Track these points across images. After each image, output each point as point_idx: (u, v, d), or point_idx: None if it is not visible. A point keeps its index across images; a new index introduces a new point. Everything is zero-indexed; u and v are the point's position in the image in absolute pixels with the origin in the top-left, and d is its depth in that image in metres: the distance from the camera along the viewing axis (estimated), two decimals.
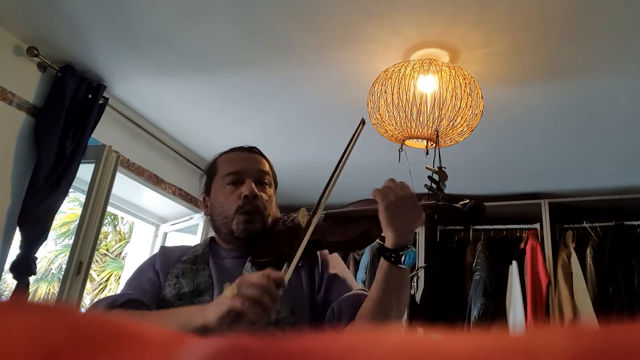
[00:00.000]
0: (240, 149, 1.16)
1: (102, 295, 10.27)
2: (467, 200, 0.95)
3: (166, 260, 1.07)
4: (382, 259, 0.92)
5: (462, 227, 3.44)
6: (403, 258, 0.89)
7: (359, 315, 0.94)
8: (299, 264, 1.02)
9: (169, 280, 1.03)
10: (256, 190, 1.06)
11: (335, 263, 1.10)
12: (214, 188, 1.12)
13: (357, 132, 1.14)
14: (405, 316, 3.14)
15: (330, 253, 1.08)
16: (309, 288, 1.03)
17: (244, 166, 1.10)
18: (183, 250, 1.12)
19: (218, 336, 0.17)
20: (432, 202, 0.96)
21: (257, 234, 1.05)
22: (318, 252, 1.09)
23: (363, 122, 1.06)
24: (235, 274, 1.01)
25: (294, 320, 0.96)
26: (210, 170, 1.15)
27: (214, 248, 1.11)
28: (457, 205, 0.95)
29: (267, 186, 1.11)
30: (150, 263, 1.09)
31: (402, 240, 0.90)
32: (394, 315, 0.91)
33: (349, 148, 1.09)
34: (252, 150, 1.16)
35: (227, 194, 1.07)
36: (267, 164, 1.15)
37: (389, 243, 0.90)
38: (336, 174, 1.01)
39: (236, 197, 1.06)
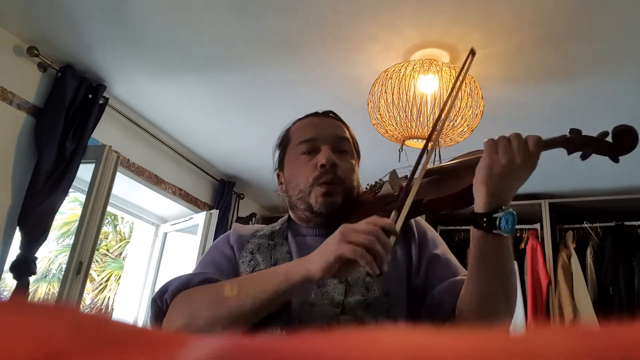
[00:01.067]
0: (316, 114, 1.03)
1: (102, 296, 10.29)
2: (605, 131, 0.75)
3: (240, 235, 0.96)
4: (472, 227, 0.75)
5: (461, 227, 3.44)
6: (498, 221, 0.71)
7: (459, 307, 0.78)
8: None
9: (243, 257, 0.92)
10: (334, 158, 0.91)
11: (437, 240, 0.94)
12: (287, 160, 0.99)
13: (468, 63, 0.92)
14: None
15: (434, 214, 0.93)
16: (406, 267, 0.88)
17: (320, 132, 0.96)
18: (258, 227, 1.01)
19: (218, 336, 0.17)
20: (561, 136, 0.77)
21: (339, 207, 0.91)
22: (415, 226, 0.93)
23: (473, 52, 0.86)
24: None
25: (388, 305, 0.82)
26: (283, 141, 1.02)
27: (293, 225, 0.98)
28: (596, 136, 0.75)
29: (347, 154, 0.96)
30: (225, 238, 0.98)
31: (495, 200, 0.72)
32: (498, 302, 0.74)
33: (459, 80, 0.90)
34: (329, 115, 1.03)
35: (302, 165, 0.94)
36: (346, 130, 1.01)
37: (479, 205, 0.73)
38: (444, 113, 0.83)
39: (312, 166, 0.92)
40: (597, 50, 1.88)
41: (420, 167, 0.77)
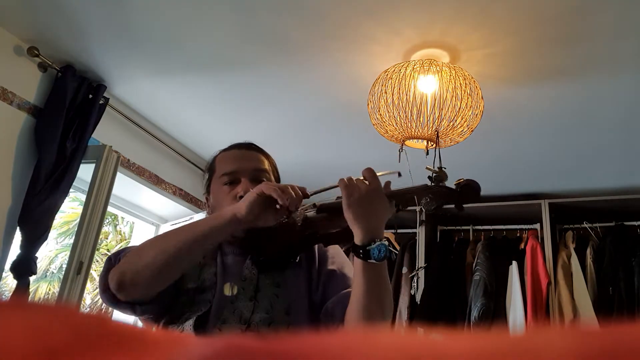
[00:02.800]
0: (238, 146, 1.12)
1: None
2: (461, 179, 0.91)
3: None
4: (354, 256, 0.88)
5: (461, 227, 3.44)
6: (376, 252, 0.84)
7: (347, 317, 0.90)
8: (297, 261, 1.01)
9: None
10: (251, 189, 1.01)
11: (335, 257, 1.06)
12: (212, 188, 1.10)
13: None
14: (405, 316, 3.15)
15: (325, 246, 1.05)
16: (307, 286, 1.00)
17: (240, 165, 1.06)
18: None
19: (218, 336, 0.17)
20: (422, 185, 0.92)
21: (255, 233, 1.01)
22: (316, 248, 1.06)
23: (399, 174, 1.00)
24: (236, 271, 1.00)
25: (289, 321, 0.94)
26: (210, 169, 1.13)
27: (222, 245, 1.08)
28: (446, 185, 0.91)
29: None
30: None
31: (369, 234, 0.85)
32: (377, 314, 0.86)
33: None
34: (250, 147, 1.12)
35: (224, 195, 1.04)
36: (265, 160, 1.11)
37: (357, 239, 0.86)
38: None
39: (232, 197, 1.03)
40: (597, 51, 1.88)
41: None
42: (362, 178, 0.90)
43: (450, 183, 0.92)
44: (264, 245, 1.02)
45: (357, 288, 0.87)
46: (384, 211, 0.88)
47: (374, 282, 0.86)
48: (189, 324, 0.91)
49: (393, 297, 1.03)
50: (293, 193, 0.86)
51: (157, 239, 0.97)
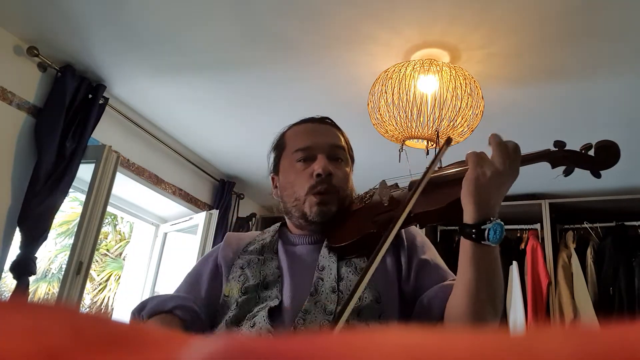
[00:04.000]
0: (312, 119, 1.03)
1: (102, 296, 10.29)
2: (589, 143, 0.77)
3: (230, 250, 0.98)
4: (462, 238, 0.76)
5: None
6: (487, 232, 0.72)
7: (447, 312, 0.80)
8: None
9: (233, 272, 0.93)
10: (330, 167, 0.93)
11: (426, 246, 0.95)
12: (282, 166, 0.99)
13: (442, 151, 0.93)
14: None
15: (421, 227, 0.93)
16: (397, 274, 0.90)
17: (316, 140, 0.96)
18: (251, 237, 1.01)
19: (218, 336, 0.17)
20: (545, 150, 0.80)
21: (333, 216, 0.92)
22: (404, 234, 0.94)
23: (448, 142, 0.85)
24: (310, 261, 0.91)
25: (380, 311, 0.84)
26: (278, 146, 1.02)
27: (284, 234, 1.00)
28: (573, 149, 0.77)
29: (342, 162, 0.97)
30: (214, 253, 1.00)
31: (484, 211, 0.73)
32: (486, 308, 0.74)
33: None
34: (325, 122, 1.03)
35: (298, 172, 0.94)
36: (341, 137, 1.02)
37: (468, 217, 0.74)
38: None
39: (308, 175, 0.93)
40: (598, 51, 1.88)
41: (419, 187, 0.75)
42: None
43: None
44: (345, 230, 0.90)
45: (465, 276, 0.74)
46: (507, 190, 0.76)
47: (486, 269, 0.74)
48: (262, 316, 0.82)
49: None
50: None
51: None
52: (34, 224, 2.02)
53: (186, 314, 0.88)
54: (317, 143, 0.96)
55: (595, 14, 1.69)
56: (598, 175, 0.77)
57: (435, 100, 1.88)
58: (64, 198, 2.18)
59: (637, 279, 2.80)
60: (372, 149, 2.80)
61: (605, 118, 2.37)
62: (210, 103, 2.53)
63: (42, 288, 10.03)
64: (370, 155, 2.88)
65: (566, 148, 0.80)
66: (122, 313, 3.29)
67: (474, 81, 1.91)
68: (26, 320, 0.16)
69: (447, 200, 0.80)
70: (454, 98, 1.85)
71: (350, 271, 0.87)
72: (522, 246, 3.19)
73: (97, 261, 10.41)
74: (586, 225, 3.15)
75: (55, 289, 9.84)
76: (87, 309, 9.93)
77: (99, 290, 10.49)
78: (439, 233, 3.50)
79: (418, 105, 1.87)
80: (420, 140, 1.96)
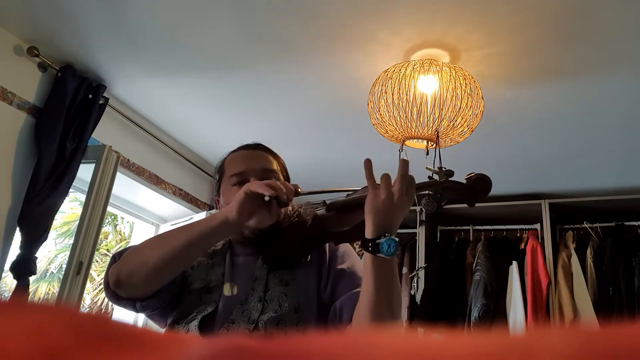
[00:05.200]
0: (247, 146, 1.13)
1: (102, 296, 10.29)
2: (472, 173, 0.89)
3: None
4: (363, 251, 0.86)
5: (461, 227, 3.44)
6: (385, 247, 0.82)
7: (355, 315, 0.89)
8: (308, 259, 1.01)
9: (187, 270, 1.04)
10: None
11: (346, 257, 1.05)
12: (222, 190, 1.10)
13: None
14: (405, 316, 3.15)
15: (336, 244, 1.04)
16: (316, 285, 0.99)
17: (248, 166, 1.07)
18: None
19: (219, 336, 0.17)
20: (431, 180, 0.90)
21: (265, 232, 1.01)
22: (327, 247, 1.05)
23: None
24: (247, 271, 1.01)
25: (298, 319, 0.93)
26: (219, 171, 1.14)
27: (233, 245, 1.10)
28: (456, 180, 0.88)
29: None
30: None
31: (381, 229, 0.83)
32: (385, 313, 0.84)
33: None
34: (259, 147, 1.13)
35: (233, 195, 1.02)
36: (274, 161, 1.11)
37: (367, 232, 0.84)
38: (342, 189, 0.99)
39: None
40: (597, 51, 1.88)
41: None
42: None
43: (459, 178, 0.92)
44: (275, 245, 1.01)
45: (366, 285, 0.85)
46: (406, 210, 0.86)
47: (382, 279, 0.84)
48: (194, 325, 0.92)
49: None
50: (282, 187, 0.87)
51: (155, 239, 0.98)
52: (34, 223, 2.02)
53: None
54: (250, 168, 1.06)
55: (595, 14, 1.69)
56: (472, 205, 0.89)
57: (435, 100, 1.88)
58: (64, 198, 2.17)
59: (637, 279, 2.80)
60: (372, 149, 2.80)
61: (605, 118, 2.37)
62: (211, 103, 2.53)
63: (42, 288, 10.03)
64: (370, 155, 2.87)
65: (451, 179, 0.91)
66: (122, 313, 3.28)
67: (474, 81, 1.91)
68: (26, 320, 0.16)
69: (355, 221, 0.92)
70: (454, 98, 1.85)
71: (276, 282, 0.98)
72: (522, 246, 3.19)
73: (97, 261, 10.40)
74: (586, 225, 3.15)
75: (55, 289, 9.84)
76: (87, 309, 9.93)
77: (99, 290, 10.48)
78: (438, 233, 3.50)
79: (418, 106, 1.87)
80: (420, 140, 1.96)
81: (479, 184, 0.88)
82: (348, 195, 0.99)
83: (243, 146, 1.14)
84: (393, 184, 0.85)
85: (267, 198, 0.87)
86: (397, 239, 0.83)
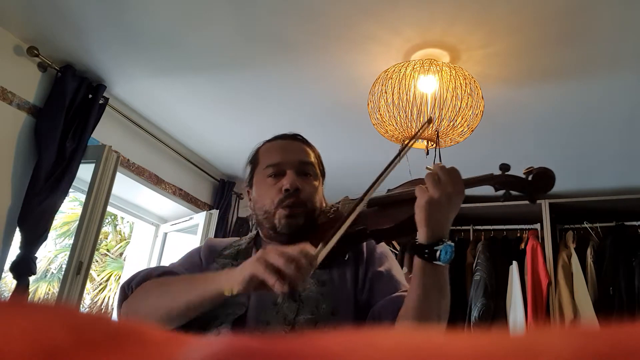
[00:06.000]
0: (283, 136, 1.08)
1: (102, 296, 10.29)
2: (531, 167, 0.83)
3: (210, 252, 1.04)
4: (415, 256, 0.81)
5: (461, 227, 3.44)
6: (438, 253, 0.78)
7: (398, 323, 0.84)
8: (345, 259, 0.96)
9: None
10: (298, 182, 0.98)
11: (384, 259, 1.00)
12: (255, 180, 1.05)
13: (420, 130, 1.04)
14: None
15: (377, 242, 0.99)
16: (353, 286, 0.94)
17: (285, 157, 1.01)
18: (228, 243, 1.08)
19: (219, 336, 0.17)
20: (488, 174, 0.84)
21: (301, 228, 0.97)
22: (364, 246, 1.00)
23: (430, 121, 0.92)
24: None
25: (335, 322, 0.88)
26: (252, 161, 1.09)
27: (259, 242, 1.05)
28: (515, 174, 0.82)
29: (310, 177, 1.03)
30: (196, 250, 1.07)
31: (437, 233, 0.78)
32: (433, 321, 0.80)
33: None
34: (296, 138, 1.08)
35: (268, 187, 1.00)
36: (311, 153, 1.07)
37: (422, 237, 0.79)
38: (391, 165, 0.90)
39: (277, 190, 0.98)
40: (597, 51, 1.88)
41: (356, 209, 0.82)
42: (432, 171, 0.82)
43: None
44: (310, 242, 0.95)
45: (414, 291, 0.80)
46: (457, 208, 0.81)
47: (435, 286, 0.80)
48: (226, 328, 0.88)
49: None
50: (293, 272, 0.71)
51: (157, 293, 0.91)
52: (34, 223, 2.02)
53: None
54: (286, 159, 1.01)
55: (595, 14, 1.69)
56: (533, 201, 0.83)
57: (435, 100, 1.88)
58: (64, 198, 2.17)
59: (637, 279, 2.80)
60: (372, 149, 2.80)
61: (605, 118, 2.37)
62: (211, 103, 2.53)
63: (42, 288, 10.03)
64: (370, 155, 2.88)
65: (508, 173, 0.85)
66: None
67: (474, 81, 1.91)
68: (26, 320, 0.16)
69: (398, 219, 0.86)
70: (454, 98, 1.85)
71: (312, 282, 0.92)
72: (522, 246, 3.19)
73: (97, 261, 10.41)
74: (586, 225, 3.15)
75: (55, 289, 9.84)
76: (87, 309, 9.93)
77: (99, 290, 10.49)
78: None
79: (418, 105, 1.87)
80: (420, 140, 1.96)
81: (541, 179, 0.82)
82: (389, 190, 0.93)
83: (279, 136, 1.09)
84: (443, 180, 0.80)
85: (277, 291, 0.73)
86: (452, 244, 0.79)
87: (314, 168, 1.04)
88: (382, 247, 1.03)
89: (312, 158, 1.06)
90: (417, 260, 0.80)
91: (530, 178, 0.82)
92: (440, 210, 0.79)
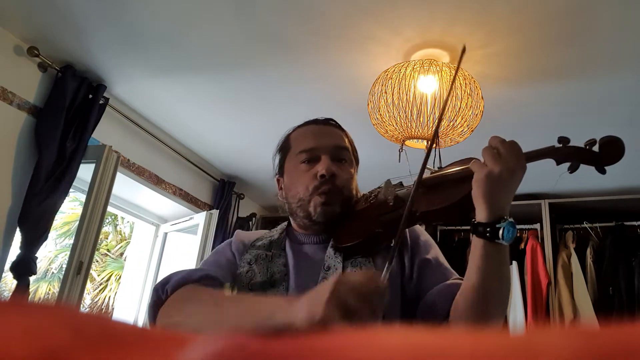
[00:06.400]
0: (316, 121, 1.04)
1: (103, 296, 10.29)
2: (592, 138, 0.77)
3: (241, 243, 0.99)
4: (474, 236, 0.75)
5: (461, 227, 3.44)
6: (501, 231, 0.72)
7: (454, 310, 0.79)
8: (391, 245, 0.87)
9: (241, 267, 0.93)
10: (333, 168, 0.93)
11: (429, 245, 0.95)
12: (287, 167, 1.00)
13: (460, 60, 0.94)
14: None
15: (426, 225, 0.93)
16: (400, 275, 0.90)
17: (320, 142, 0.97)
18: (260, 235, 1.03)
19: (218, 336, 0.17)
20: (550, 147, 0.80)
21: (337, 216, 0.92)
22: (408, 233, 0.94)
23: (464, 50, 0.84)
24: (316, 260, 0.91)
25: (383, 312, 0.83)
26: (283, 148, 1.03)
27: (291, 233, 1.00)
28: (577, 145, 0.76)
29: (346, 163, 0.98)
30: (227, 244, 1.01)
31: (497, 210, 0.73)
32: (495, 306, 0.75)
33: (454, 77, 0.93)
34: (329, 123, 1.04)
35: (302, 173, 0.95)
36: (345, 138, 1.02)
37: (481, 216, 0.74)
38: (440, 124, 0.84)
39: (312, 176, 0.93)
40: (597, 50, 1.88)
41: (413, 188, 0.77)
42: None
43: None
44: (349, 230, 0.90)
45: (473, 276, 0.74)
46: (516, 187, 0.77)
47: (497, 268, 0.74)
48: None
49: None
50: (368, 317, 0.59)
51: (195, 305, 0.81)
52: (35, 223, 2.02)
53: (215, 285, 0.87)
54: (321, 144, 0.97)
55: (595, 14, 1.69)
56: (603, 171, 0.78)
57: (435, 100, 1.88)
58: (64, 198, 2.17)
59: (636, 278, 2.80)
60: (372, 149, 2.80)
61: (605, 118, 2.37)
62: (211, 103, 2.53)
63: (42, 288, 10.03)
64: (370, 155, 2.88)
65: (570, 144, 0.81)
66: (122, 313, 3.28)
67: (474, 81, 1.91)
68: (26, 320, 0.16)
69: (451, 199, 0.80)
70: (454, 98, 1.85)
71: (355, 271, 0.87)
72: (522, 246, 3.19)
73: (97, 261, 10.41)
74: (586, 225, 3.15)
75: (55, 289, 9.84)
76: (88, 309, 9.93)
77: (100, 290, 10.49)
78: (438, 233, 3.49)
79: (418, 106, 1.87)
80: (420, 140, 1.96)
81: (611, 148, 0.78)
82: (434, 172, 0.87)
83: (311, 121, 1.04)
84: (503, 155, 0.76)
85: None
86: (515, 222, 0.74)
87: (349, 154, 1.00)
88: (425, 235, 0.98)
89: (346, 142, 1.02)
90: (476, 241, 0.75)
91: (595, 148, 0.77)
92: (501, 185, 0.74)
